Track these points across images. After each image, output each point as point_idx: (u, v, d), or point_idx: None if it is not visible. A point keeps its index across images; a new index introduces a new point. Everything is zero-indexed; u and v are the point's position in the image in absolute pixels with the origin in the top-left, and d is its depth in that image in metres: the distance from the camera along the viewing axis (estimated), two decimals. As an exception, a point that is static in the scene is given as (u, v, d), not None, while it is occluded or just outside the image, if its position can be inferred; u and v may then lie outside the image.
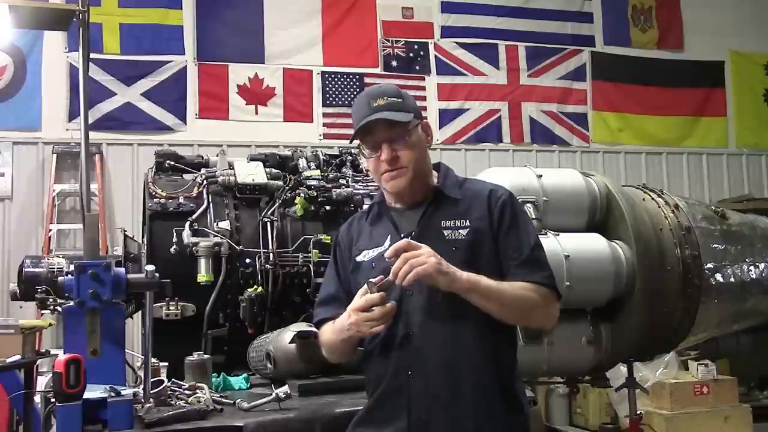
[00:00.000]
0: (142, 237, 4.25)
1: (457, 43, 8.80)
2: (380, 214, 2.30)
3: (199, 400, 2.98)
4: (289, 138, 7.69)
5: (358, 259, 2.25)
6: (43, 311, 4.01)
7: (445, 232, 2.16)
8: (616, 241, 3.88)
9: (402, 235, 2.18)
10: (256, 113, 8.01)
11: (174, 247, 3.87)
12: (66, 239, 7.19)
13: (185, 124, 7.76)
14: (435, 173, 2.31)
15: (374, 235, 2.26)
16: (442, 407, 2.07)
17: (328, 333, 2.23)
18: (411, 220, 2.22)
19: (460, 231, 2.15)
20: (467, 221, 2.16)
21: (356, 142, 2.27)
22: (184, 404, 2.95)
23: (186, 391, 3.10)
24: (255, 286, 3.89)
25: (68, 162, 7.23)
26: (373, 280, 2.02)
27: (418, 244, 2.00)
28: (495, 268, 2.14)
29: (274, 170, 4.30)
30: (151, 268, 3.14)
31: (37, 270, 3.49)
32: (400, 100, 2.20)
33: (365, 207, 4.11)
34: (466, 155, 8.55)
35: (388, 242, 2.18)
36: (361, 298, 2.03)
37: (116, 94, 7.55)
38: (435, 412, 2.07)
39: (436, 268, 1.95)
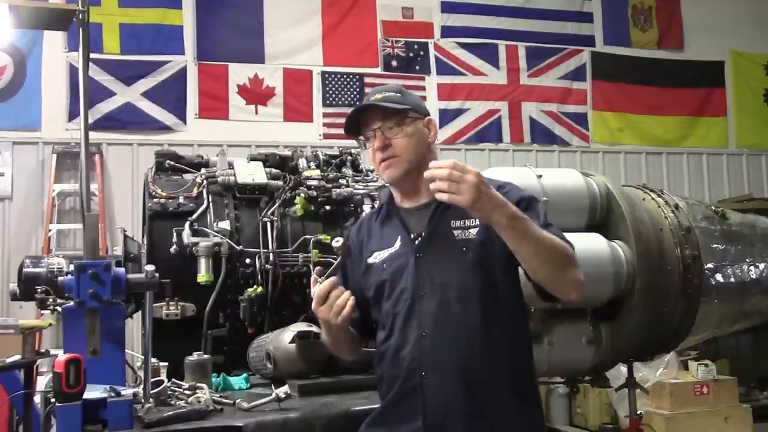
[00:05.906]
0: (142, 237, 4.26)
1: (457, 43, 8.80)
2: (389, 215, 2.28)
3: (199, 400, 2.99)
4: (289, 138, 7.67)
5: (370, 260, 2.24)
6: (43, 311, 4.02)
7: (455, 233, 2.12)
8: (616, 241, 3.87)
9: (412, 236, 2.18)
10: (256, 113, 8.00)
11: (174, 247, 3.87)
12: (66, 239, 7.18)
13: (185, 124, 7.75)
14: None
15: (384, 236, 2.25)
16: (457, 407, 2.06)
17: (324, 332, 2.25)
18: (420, 220, 2.19)
19: (470, 230, 2.11)
20: (477, 220, 2.10)
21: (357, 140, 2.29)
22: (184, 404, 2.95)
23: (186, 391, 3.11)
24: (255, 286, 3.89)
25: (68, 162, 7.22)
26: (319, 268, 2.06)
27: (466, 166, 1.87)
28: (508, 267, 2.10)
29: (274, 170, 4.30)
30: (151, 268, 3.14)
31: (37, 270, 3.49)
32: (398, 95, 2.22)
33: (365, 207, 4.15)
34: (466, 155, 8.53)
35: (398, 243, 2.19)
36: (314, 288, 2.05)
37: (116, 94, 7.54)
38: (450, 412, 2.06)
39: (475, 194, 1.83)
